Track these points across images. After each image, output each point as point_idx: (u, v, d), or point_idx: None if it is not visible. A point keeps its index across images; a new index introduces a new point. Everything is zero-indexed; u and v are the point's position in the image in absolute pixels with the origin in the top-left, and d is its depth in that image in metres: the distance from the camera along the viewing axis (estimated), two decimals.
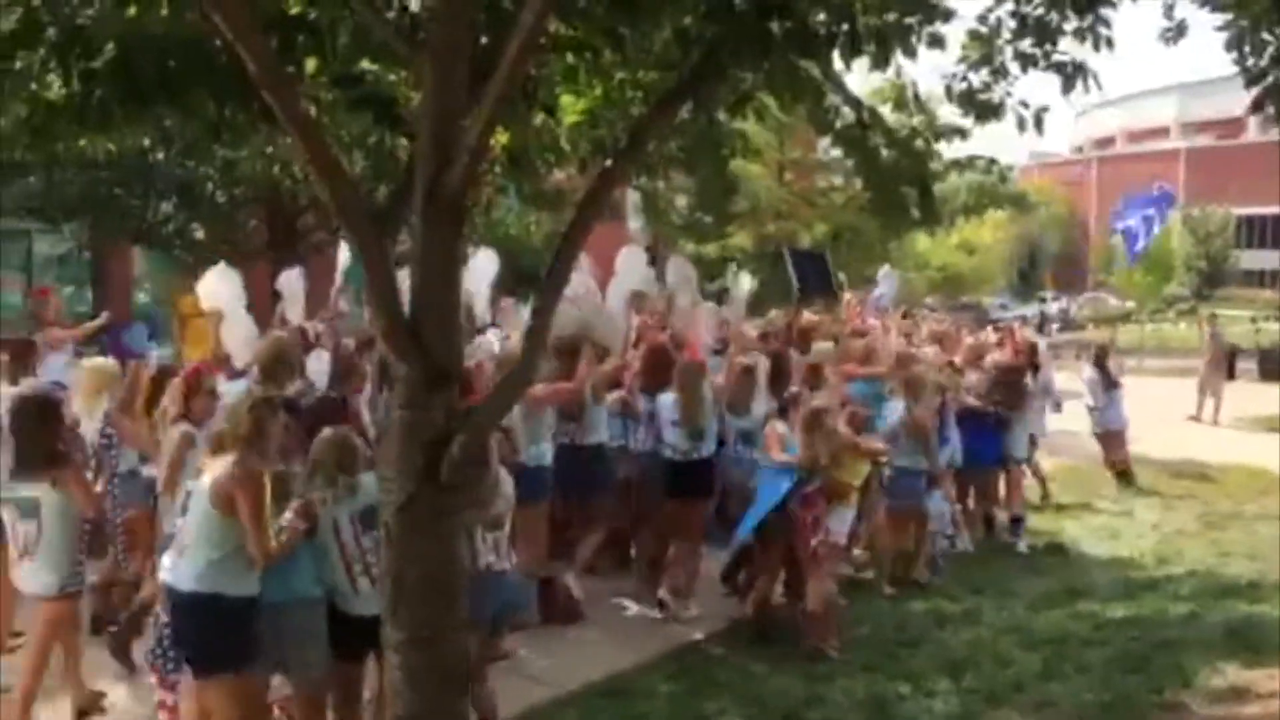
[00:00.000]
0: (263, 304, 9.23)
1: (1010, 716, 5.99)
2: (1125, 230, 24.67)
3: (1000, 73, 5.86)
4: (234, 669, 4.61)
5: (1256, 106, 7.07)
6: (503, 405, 4.69)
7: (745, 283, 12.53)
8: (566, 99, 5.43)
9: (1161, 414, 16.84)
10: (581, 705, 6.05)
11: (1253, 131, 52.05)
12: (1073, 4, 5.50)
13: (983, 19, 5.87)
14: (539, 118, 5.51)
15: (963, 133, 6.21)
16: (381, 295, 4.09)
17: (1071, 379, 13.17)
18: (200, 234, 17.04)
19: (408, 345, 4.05)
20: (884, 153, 4.87)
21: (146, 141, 12.91)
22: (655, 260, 12.31)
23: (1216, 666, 6.57)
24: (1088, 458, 13.25)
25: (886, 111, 5.56)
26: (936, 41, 4.83)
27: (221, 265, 7.91)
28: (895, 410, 8.42)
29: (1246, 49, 6.70)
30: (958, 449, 9.11)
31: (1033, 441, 10.61)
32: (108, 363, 7.03)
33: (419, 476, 4.04)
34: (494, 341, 8.54)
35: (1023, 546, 9.56)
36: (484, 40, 4.28)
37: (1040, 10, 5.64)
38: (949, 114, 6.67)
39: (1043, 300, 49.99)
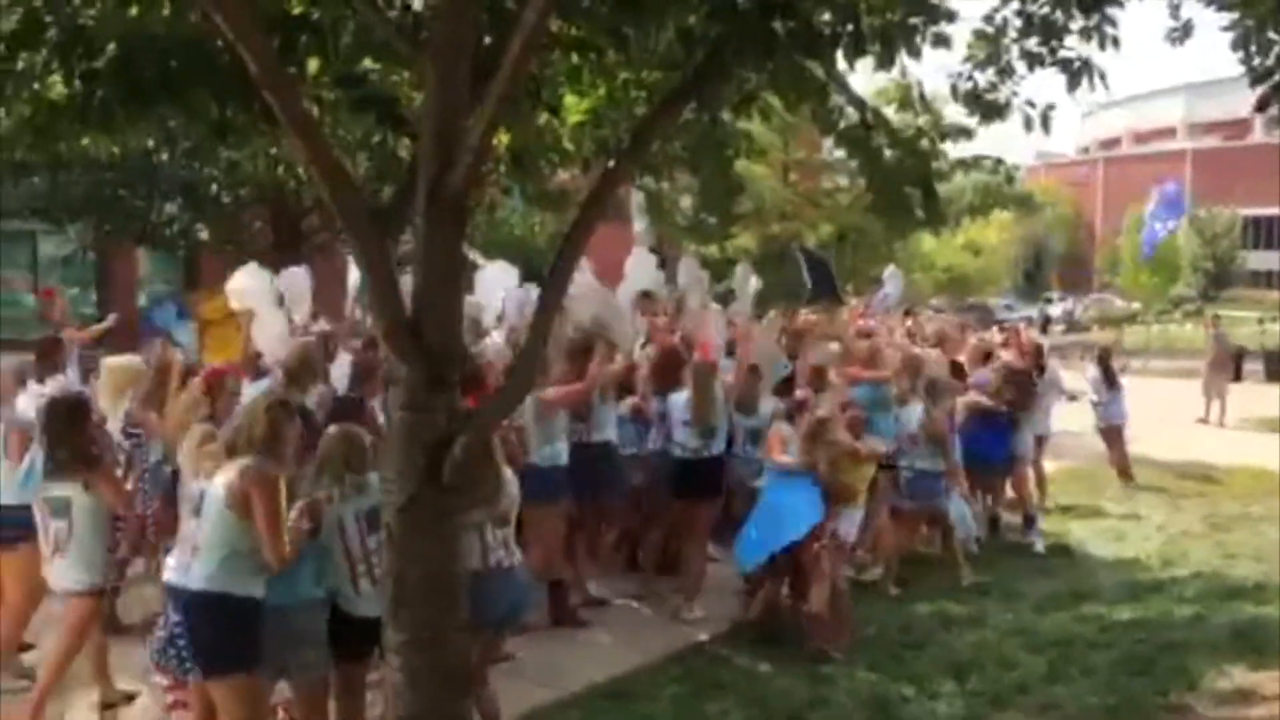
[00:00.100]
0: None
1: (1015, 719, 5.97)
2: (1153, 228, 24.63)
3: (1006, 72, 5.85)
4: (242, 669, 4.60)
5: (1261, 105, 7.04)
6: (507, 405, 4.68)
7: (752, 282, 12.50)
8: (570, 99, 5.43)
9: (1167, 415, 16.81)
10: (584, 707, 6.03)
11: (1259, 133, 52.02)
12: (1079, 3, 5.49)
13: (989, 18, 5.86)
14: (543, 117, 5.51)
15: (968, 132, 6.21)
16: (383, 296, 4.08)
17: (1076, 379, 13.15)
18: (205, 235, 17.07)
19: (409, 346, 4.04)
20: (887, 153, 4.85)
21: (151, 142, 12.98)
22: (664, 262, 12.31)
23: (1222, 669, 6.54)
24: (1091, 458, 13.23)
25: (892, 112, 5.56)
26: (942, 41, 4.82)
27: (252, 265, 7.91)
28: (914, 413, 8.47)
29: (1253, 48, 6.67)
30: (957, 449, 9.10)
31: (1039, 442, 10.59)
32: (131, 361, 7.06)
33: (420, 477, 4.04)
34: (501, 343, 8.52)
35: (1040, 546, 9.53)
36: (487, 40, 4.27)
37: (1046, 9, 5.63)
38: (955, 114, 6.66)
39: (1048, 301, 49.97)
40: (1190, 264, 50.10)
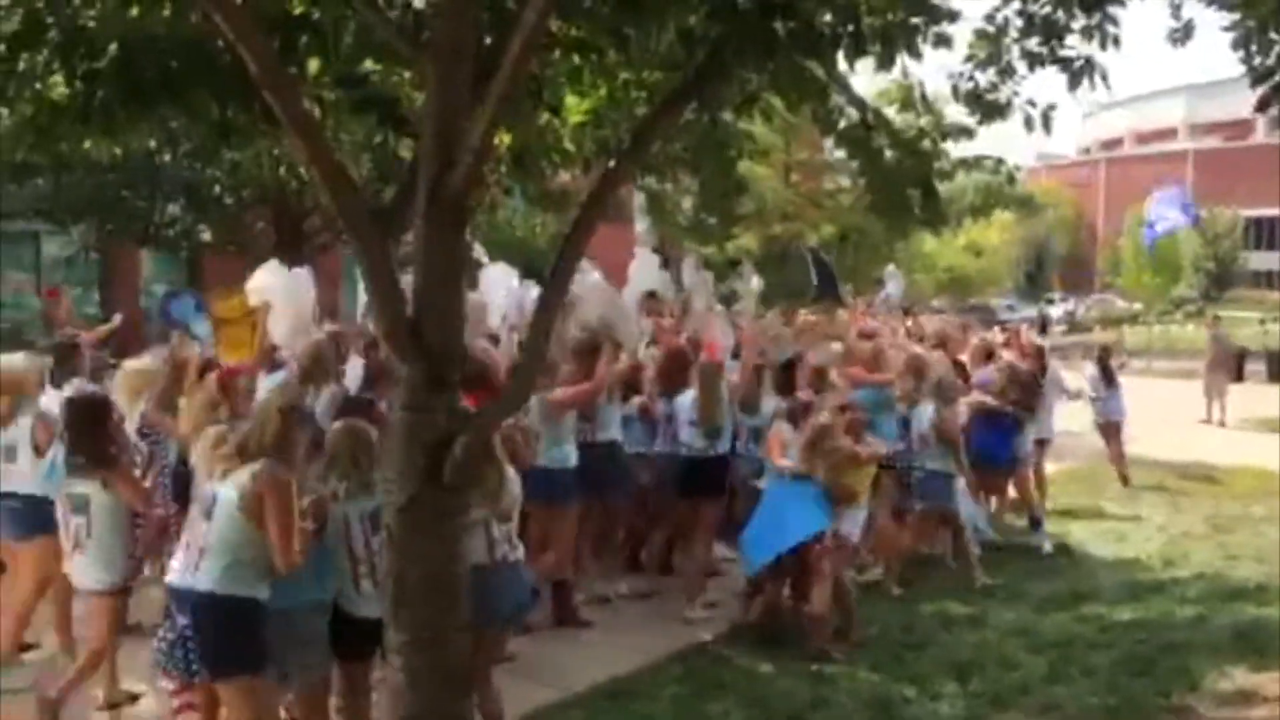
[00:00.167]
0: None
1: (1016, 719, 5.97)
2: (1156, 222, 24.60)
3: (1007, 72, 5.84)
4: (250, 671, 4.60)
5: (1262, 105, 7.03)
6: (509, 405, 4.68)
7: (755, 282, 12.51)
8: (571, 99, 5.44)
9: (1169, 416, 16.80)
10: (586, 707, 6.03)
11: (1261, 133, 52.05)
12: (1080, 2, 5.49)
13: (990, 18, 5.85)
14: (544, 118, 5.51)
15: (970, 132, 6.21)
16: (383, 296, 4.09)
17: (1077, 379, 13.13)
18: (207, 235, 17.10)
19: (409, 346, 4.04)
20: (887, 154, 4.85)
21: (153, 144, 12.98)
22: (667, 262, 12.31)
23: (1224, 670, 6.53)
24: (1092, 458, 13.22)
25: (893, 112, 5.56)
26: (943, 41, 4.82)
27: (272, 262, 7.93)
28: (925, 414, 8.49)
29: (1254, 48, 6.67)
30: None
31: (1041, 445, 10.57)
32: (147, 364, 7.07)
33: (421, 478, 4.04)
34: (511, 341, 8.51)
35: (1048, 546, 9.53)
36: (487, 40, 4.28)
37: (1047, 9, 5.63)
38: (956, 113, 6.65)
39: (1049, 302, 49.95)
40: (1192, 264, 50.10)
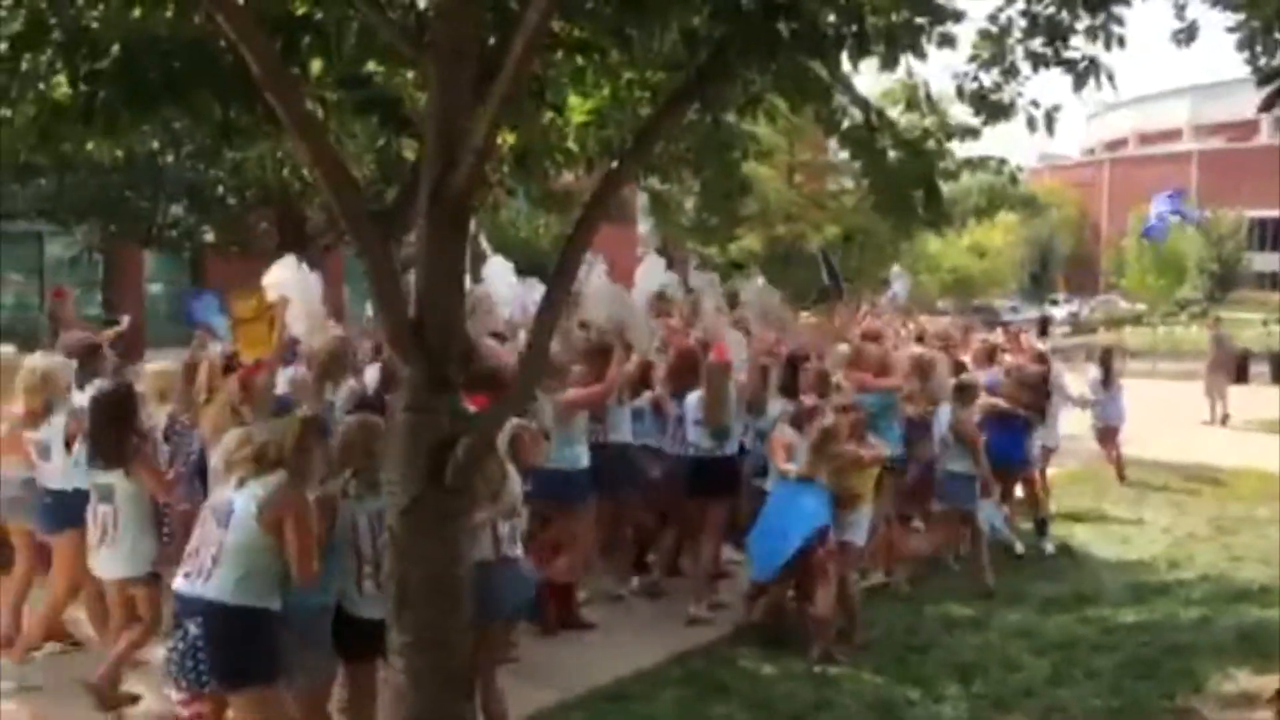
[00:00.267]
0: None
1: None
2: (1158, 218, 24.64)
3: (1011, 72, 5.82)
4: (263, 680, 4.58)
5: (1267, 106, 7.01)
6: (512, 406, 4.67)
7: (759, 284, 12.48)
8: (574, 99, 5.44)
9: (1172, 417, 16.77)
10: (588, 709, 6.02)
11: (1266, 134, 52.00)
12: (1084, 2, 5.47)
13: (993, 18, 5.84)
14: (547, 118, 5.51)
15: (975, 132, 6.19)
16: (385, 297, 4.08)
17: (1079, 381, 13.11)
18: (210, 236, 17.11)
19: (411, 347, 4.03)
20: (891, 154, 4.84)
21: (156, 144, 12.99)
22: (672, 263, 12.33)
23: (1228, 672, 6.52)
24: (1093, 460, 13.20)
25: (898, 113, 5.54)
26: (947, 41, 4.81)
27: (289, 258, 7.95)
28: (944, 415, 8.50)
29: (1258, 49, 6.66)
30: None
31: (1046, 453, 10.53)
32: (169, 367, 7.09)
33: (423, 479, 4.03)
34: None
35: (1050, 548, 9.51)
36: (490, 40, 4.27)
37: (1051, 9, 5.61)
38: (960, 113, 6.63)
39: (1053, 303, 49.90)
40: (1196, 266, 50.04)
